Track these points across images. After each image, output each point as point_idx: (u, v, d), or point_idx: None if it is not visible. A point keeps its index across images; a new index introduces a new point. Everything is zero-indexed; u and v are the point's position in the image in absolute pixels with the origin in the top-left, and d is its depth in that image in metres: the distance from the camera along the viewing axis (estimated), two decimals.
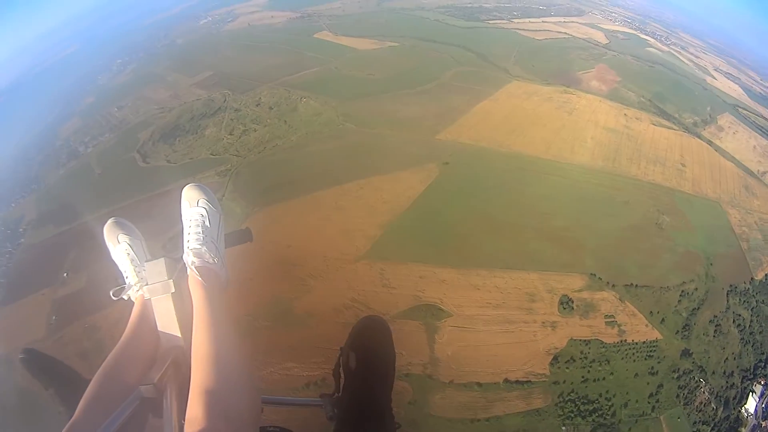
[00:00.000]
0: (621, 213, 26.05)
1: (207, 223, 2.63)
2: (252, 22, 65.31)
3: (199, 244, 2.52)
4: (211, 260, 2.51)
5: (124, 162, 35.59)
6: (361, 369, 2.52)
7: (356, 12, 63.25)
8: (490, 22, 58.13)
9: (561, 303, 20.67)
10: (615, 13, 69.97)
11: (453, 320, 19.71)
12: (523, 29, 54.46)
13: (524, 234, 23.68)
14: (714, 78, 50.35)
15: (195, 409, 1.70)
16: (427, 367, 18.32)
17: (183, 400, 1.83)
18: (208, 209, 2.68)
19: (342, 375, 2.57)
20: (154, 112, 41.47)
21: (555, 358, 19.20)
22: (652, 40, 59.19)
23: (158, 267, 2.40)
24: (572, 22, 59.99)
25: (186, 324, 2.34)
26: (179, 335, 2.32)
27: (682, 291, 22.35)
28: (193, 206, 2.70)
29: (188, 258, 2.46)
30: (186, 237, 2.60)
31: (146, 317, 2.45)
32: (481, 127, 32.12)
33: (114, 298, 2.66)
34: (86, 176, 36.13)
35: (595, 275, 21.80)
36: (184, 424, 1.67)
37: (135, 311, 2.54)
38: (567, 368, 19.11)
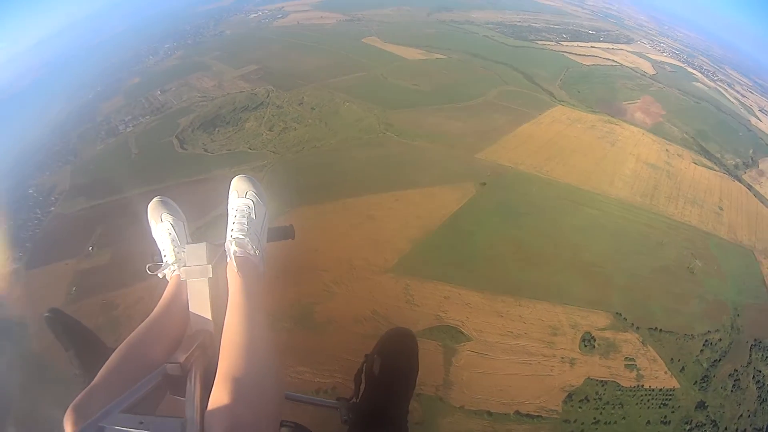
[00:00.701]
0: (654, 253, 25.57)
1: (252, 215, 2.68)
2: (301, 20, 66.24)
3: (243, 235, 2.56)
4: (252, 252, 2.54)
5: (161, 145, 36.18)
6: (383, 378, 2.56)
7: (406, 20, 63.50)
8: (539, 42, 57.89)
9: (583, 340, 20.37)
10: (663, 43, 69.06)
11: (472, 345, 19.56)
12: (571, 53, 54.14)
13: (554, 264, 23.41)
14: (759, 119, 49.34)
15: (220, 393, 1.71)
16: (439, 389, 18.16)
17: (207, 384, 1.85)
18: (255, 202, 2.74)
19: (363, 381, 2.61)
20: (196, 100, 42.22)
21: (569, 396, 18.91)
22: (699, 74, 58.00)
23: (199, 251, 2.44)
24: (621, 49, 59.34)
25: (218, 310, 2.36)
26: (210, 320, 2.34)
27: (706, 340, 21.86)
28: (240, 197, 2.75)
29: (230, 247, 2.50)
30: (230, 226, 2.65)
31: (179, 298, 2.49)
32: (521, 150, 31.90)
33: (149, 273, 2.72)
34: (123, 155, 36.87)
35: (620, 315, 21.49)
36: (206, 406, 1.68)
37: (168, 290, 2.59)
38: (580, 407, 18.78)
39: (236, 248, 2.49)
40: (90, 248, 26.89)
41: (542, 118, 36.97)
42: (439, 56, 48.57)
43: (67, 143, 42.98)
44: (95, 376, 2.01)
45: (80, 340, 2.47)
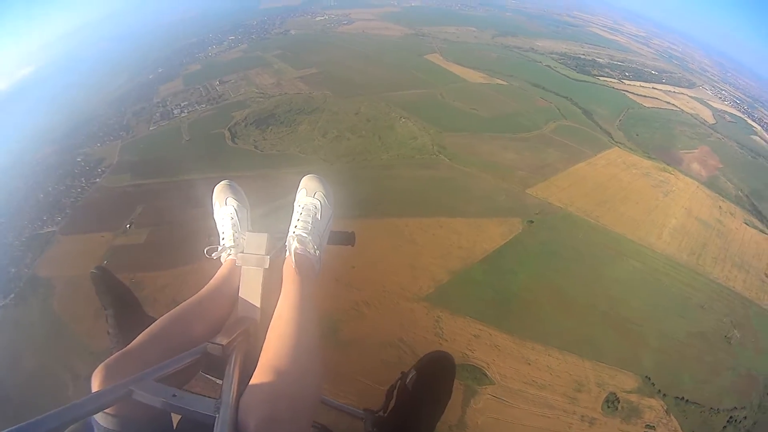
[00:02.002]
0: (693, 316, 25.15)
1: (318, 215, 2.74)
2: (367, 29, 67.49)
3: (306, 233, 2.62)
4: (311, 251, 2.61)
5: (213, 136, 37.28)
6: (414, 397, 2.51)
7: (470, 41, 64.66)
8: (601, 78, 58.10)
9: (607, 400, 20.13)
10: (725, 90, 68.52)
11: (494, 389, 19.53)
12: (633, 92, 54.05)
13: (590, 316, 23.24)
14: None
15: (261, 383, 1.75)
16: (452, 429, 18.17)
17: (245, 370, 1.89)
18: (322, 203, 2.80)
19: (395, 397, 2.58)
20: (253, 95, 43.28)
21: None
22: (759, 128, 56.85)
23: (259, 240, 2.49)
24: (682, 93, 59.02)
25: (267, 301, 2.42)
26: (258, 309, 2.39)
27: (731, 417, 21.40)
28: (309, 196, 2.82)
29: (291, 243, 2.57)
30: (294, 223, 2.72)
31: (230, 282, 2.54)
32: (573, 191, 31.77)
33: (207, 255, 2.74)
34: (174, 139, 38.09)
35: (649, 379, 21.20)
36: (242, 392, 1.70)
37: (221, 273, 2.64)
38: None
39: (297, 245, 2.57)
40: (128, 225, 27.92)
41: (597, 159, 36.89)
42: (500, 82, 48.98)
43: (121, 118, 44.89)
44: (129, 339, 2.07)
45: (121, 301, 2.56)
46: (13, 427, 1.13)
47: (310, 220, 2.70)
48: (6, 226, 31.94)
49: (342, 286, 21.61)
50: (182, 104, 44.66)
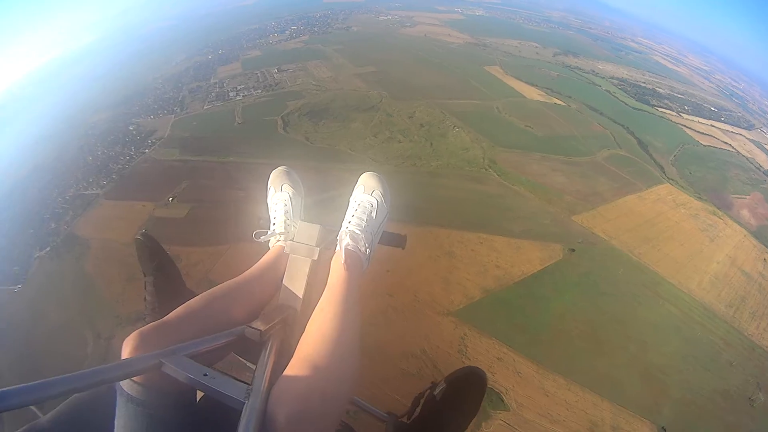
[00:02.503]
0: (721, 372, 24.49)
1: (373, 214, 2.67)
2: (429, 33, 68.09)
3: (359, 230, 2.56)
4: (362, 248, 2.54)
5: (265, 122, 37.88)
6: (440, 408, 2.52)
7: (532, 57, 64.47)
8: (660, 109, 57.21)
9: None
10: None
11: (507, 416, 19.27)
12: (690, 128, 53.18)
13: (617, 356, 22.89)
14: None
15: (296, 374, 1.73)
16: None
17: (279, 359, 1.89)
18: (379, 202, 2.71)
19: (420, 405, 2.61)
20: (310, 87, 43.92)
21: None
22: None
23: (311, 231, 2.51)
24: (740, 134, 57.74)
25: (310, 293, 2.41)
26: (300, 299, 2.38)
27: None
28: (366, 193, 2.74)
29: (344, 237, 2.51)
30: (348, 218, 2.65)
31: (275, 268, 2.55)
32: (619, 223, 31.24)
33: (255, 239, 2.73)
34: (226, 120, 38.95)
35: (665, 430, 20.71)
36: (275, 381, 1.69)
37: (267, 258, 2.64)
38: None
39: (349, 240, 2.50)
40: (170, 199, 28.65)
41: (648, 194, 36.26)
42: (557, 102, 48.70)
43: (177, 94, 46.35)
44: (165, 308, 2.09)
45: (163, 271, 2.55)
46: (41, 381, 1.13)
47: (365, 217, 2.65)
48: (52, 182, 33.45)
49: (375, 289, 21.57)
50: (238, 87, 45.82)
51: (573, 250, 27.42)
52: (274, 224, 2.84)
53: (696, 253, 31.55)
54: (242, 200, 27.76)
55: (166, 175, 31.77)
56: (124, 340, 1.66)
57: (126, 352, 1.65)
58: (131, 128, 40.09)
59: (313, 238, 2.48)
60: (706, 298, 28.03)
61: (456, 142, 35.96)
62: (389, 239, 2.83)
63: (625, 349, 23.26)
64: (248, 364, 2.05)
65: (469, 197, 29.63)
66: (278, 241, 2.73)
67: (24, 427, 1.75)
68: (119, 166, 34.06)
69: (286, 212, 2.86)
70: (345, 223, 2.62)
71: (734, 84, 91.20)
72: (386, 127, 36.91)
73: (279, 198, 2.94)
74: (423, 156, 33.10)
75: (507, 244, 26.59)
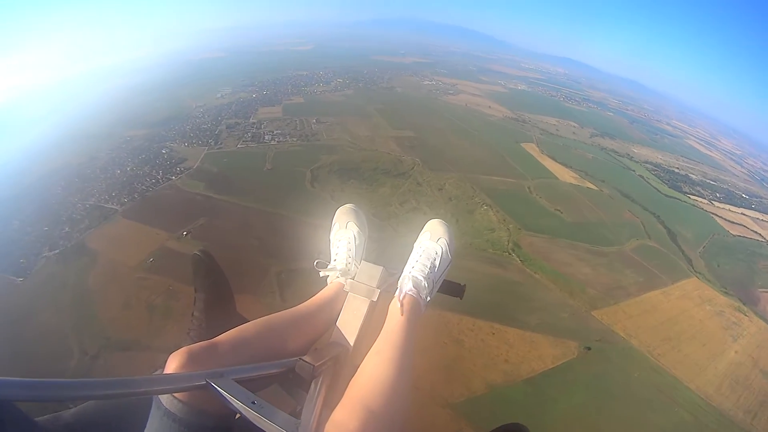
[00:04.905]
0: None
1: (437, 261, 2.69)
2: (470, 104, 69.06)
3: (423, 277, 2.55)
4: (423, 295, 2.52)
5: (294, 173, 37.91)
6: None
7: (568, 137, 64.65)
8: (692, 197, 56.60)
9: None
10: None
11: None
12: (721, 216, 52.09)
13: None
14: None
15: (347, 415, 1.70)
16: None
17: (330, 397, 1.89)
18: (443, 251, 2.75)
19: None
20: (345, 143, 44.18)
21: None
22: None
23: (373, 271, 2.54)
24: None
25: (365, 334, 2.40)
26: (354, 339, 2.33)
27: None
28: (432, 240, 2.78)
29: (406, 282, 2.50)
30: (412, 263, 2.65)
31: (333, 304, 2.54)
32: (640, 321, 30.11)
33: (316, 269, 2.78)
34: (256, 164, 39.22)
35: None
36: (324, 420, 1.69)
37: (325, 293, 2.64)
38: None
39: (411, 286, 2.49)
40: (184, 233, 28.45)
41: (673, 289, 34.91)
42: (590, 186, 48.12)
43: (215, 127, 47.44)
44: (212, 327, 2.31)
45: (216, 290, 2.65)
46: (86, 379, 1.16)
47: (428, 264, 2.65)
48: (76, 185, 34.23)
49: None
50: (275, 132, 46.40)
51: (589, 349, 26.19)
52: (335, 260, 2.86)
53: (718, 354, 30.21)
54: (254, 250, 27.77)
55: (187, 207, 31.84)
56: (169, 354, 1.66)
57: (171, 367, 1.65)
58: (164, 151, 40.92)
59: (374, 278, 2.50)
60: (723, 404, 26.46)
61: (482, 221, 35.19)
62: (448, 288, 2.81)
63: None
64: (287, 395, 2.07)
65: (487, 282, 28.45)
66: (337, 277, 2.72)
67: (48, 416, 1.80)
68: (143, 187, 34.60)
69: (349, 250, 2.86)
70: (408, 268, 2.64)
71: (766, 169, 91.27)
72: (414, 196, 36.39)
73: (343, 235, 2.93)
74: None
75: (520, 337, 25.42)
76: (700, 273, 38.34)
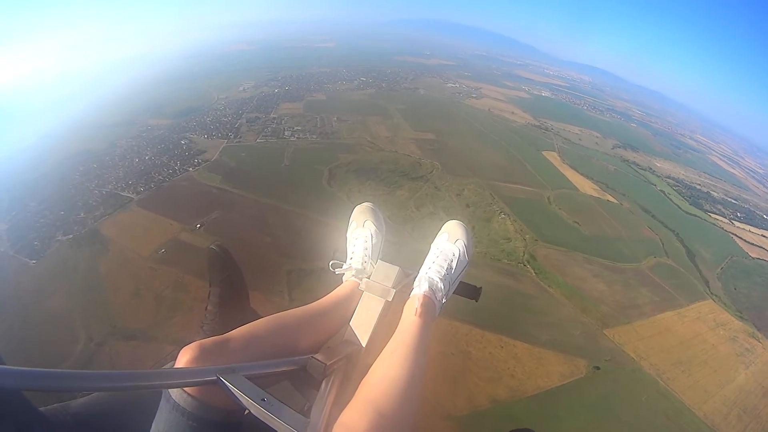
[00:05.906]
0: None
1: (454, 263, 2.70)
2: (493, 108, 68.24)
3: (439, 278, 2.57)
4: (438, 296, 2.55)
5: (312, 170, 37.72)
6: None
7: (591, 147, 63.69)
8: (712, 215, 55.32)
9: None
10: None
11: None
12: (741, 237, 50.83)
13: None
14: None
15: (358, 416, 1.68)
16: None
17: (341, 396, 1.88)
18: (461, 253, 2.75)
19: None
20: (364, 143, 43.84)
21: None
22: None
23: (389, 271, 2.53)
24: None
25: (378, 334, 2.39)
26: (367, 338, 2.33)
27: None
28: (450, 242, 2.80)
29: (422, 283, 2.53)
30: (428, 264, 2.67)
31: (347, 303, 2.54)
32: (653, 342, 29.53)
33: (330, 269, 2.83)
34: (275, 159, 39.18)
35: None
36: (334, 420, 1.67)
37: (340, 292, 2.64)
38: None
39: (427, 287, 2.52)
40: (198, 226, 28.32)
41: (688, 311, 34.18)
42: (610, 199, 47.37)
43: (235, 120, 47.65)
44: (225, 321, 2.41)
45: (231, 284, 2.70)
46: (101, 371, 1.18)
47: (445, 265, 2.66)
48: (94, 172, 34.49)
49: None
50: (295, 128, 46.26)
51: (598, 368, 25.68)
52: (351, 259, 2.87)
53: (727, 381, 29.54)
54: (267, 246, 27.69)
55: (202, 199, 31.74)
56: (182, 348, 1.66)
57: (183, 361, 1.65)
58: (183, 142, 40.97)
59: (390, 278, 2.50)
60: None
61: (499, 230, 34.61)
62: (464, 290, 2.82)
63: None
64: (301, 394, 2.03)
65: (499, 294, 27.98)
66: (353, 276, 2.73)
67: (55, 405, 1.80)
68: (160, 177, 34.59)
69: (365, 249, 2.88)
70: (424, 269, 2.65)
71: None
72: (431, 201, 35.96)
73: (360, 234, 2.96)
74: None
75: (529, 352, 24.90)
76: (716, 295, 37.63)
